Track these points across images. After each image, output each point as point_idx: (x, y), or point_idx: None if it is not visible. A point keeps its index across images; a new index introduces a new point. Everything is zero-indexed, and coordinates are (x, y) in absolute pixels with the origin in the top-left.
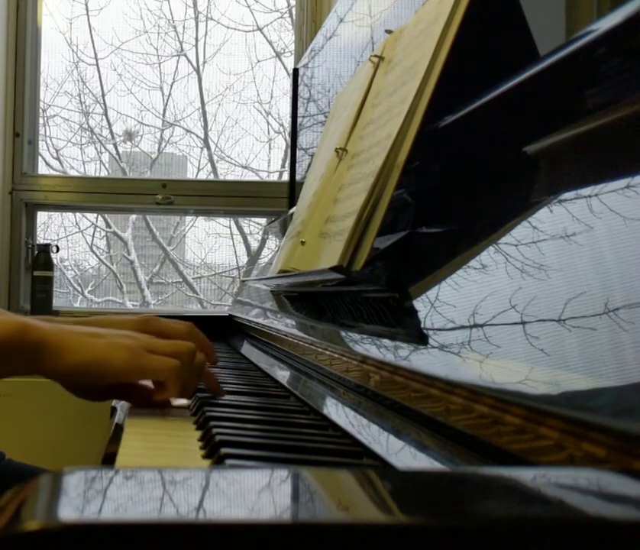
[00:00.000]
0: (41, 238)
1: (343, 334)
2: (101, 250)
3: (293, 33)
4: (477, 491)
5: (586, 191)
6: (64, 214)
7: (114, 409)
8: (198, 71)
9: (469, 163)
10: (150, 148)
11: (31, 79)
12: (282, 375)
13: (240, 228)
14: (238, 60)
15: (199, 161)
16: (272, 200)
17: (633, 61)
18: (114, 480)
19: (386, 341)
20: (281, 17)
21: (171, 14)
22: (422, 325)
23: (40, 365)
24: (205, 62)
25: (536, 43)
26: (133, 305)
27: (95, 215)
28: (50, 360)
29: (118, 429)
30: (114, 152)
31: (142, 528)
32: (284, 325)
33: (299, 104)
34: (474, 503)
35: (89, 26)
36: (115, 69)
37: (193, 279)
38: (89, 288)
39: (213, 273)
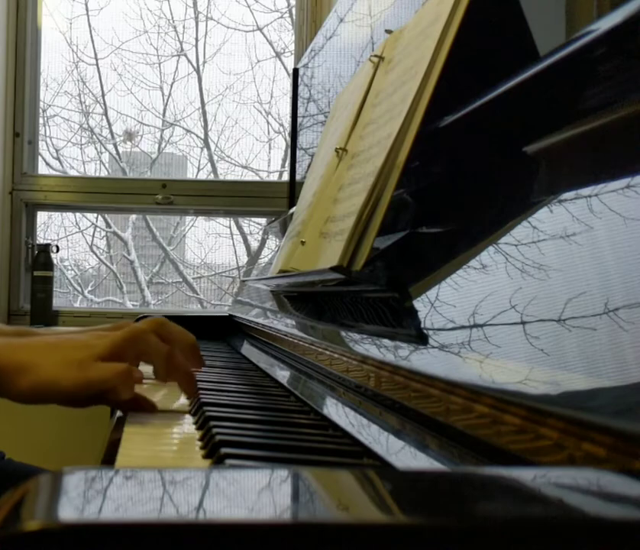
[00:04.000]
0: (41, 238)
1: (343, 334)
2: (101, 250)
3: (293, 33)
4: (477, 491)
5: (586, 191)
6: (64, 214)
7: (114, 409)
8: (198, 71)
9: (469, 163)
10: (150, 148)
11: (31, 79)
12: (283, 375)
13: (240, 228)
14: (238, 60)
15: (199, 161)
16: (272, 200)
17: (633, 61)
18: (114, 480)
19: (386, 341)
20: (281, 17)
21: (171, 14)
22: (422, 325)
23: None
24: (205, 62)
25: (536, 43)
26: (133, 305)
27: (95, 215)
28: (7, 385)
29: (118, 429)
30: (114, 152)
31: (142, 528)
32: (284, 325)
33: (299, 104)
34: (474, 503)
35: (89, 26)
36: (115, 69)
37: (193, 279)
38: (89, 288)
39: (213, 273)
